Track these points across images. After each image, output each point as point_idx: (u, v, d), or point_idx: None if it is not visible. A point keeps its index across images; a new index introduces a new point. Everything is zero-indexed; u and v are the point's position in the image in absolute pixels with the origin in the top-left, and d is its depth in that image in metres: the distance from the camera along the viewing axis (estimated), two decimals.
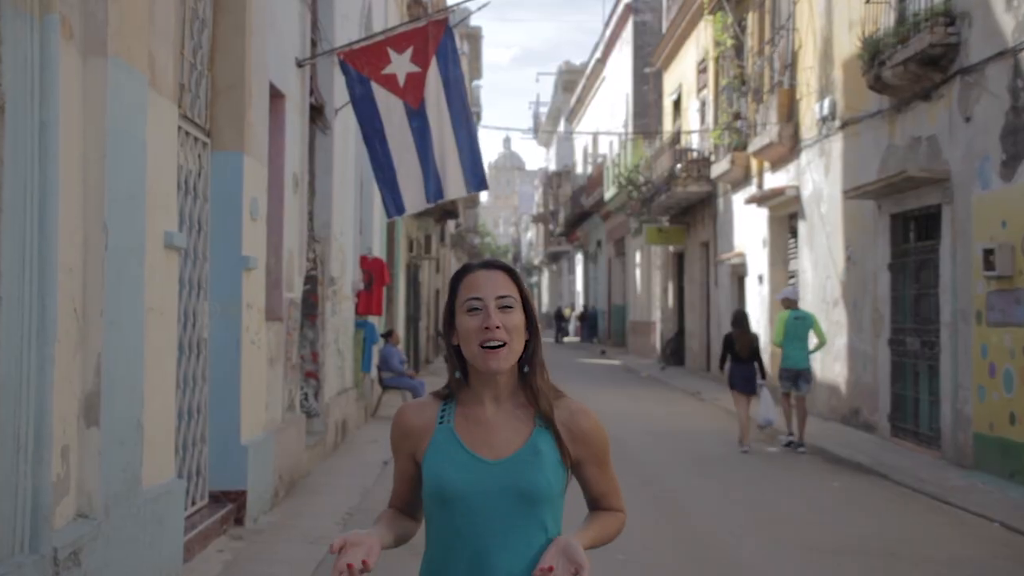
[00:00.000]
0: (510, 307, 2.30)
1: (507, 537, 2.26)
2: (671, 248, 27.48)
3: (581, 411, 2.38)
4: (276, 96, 8.91)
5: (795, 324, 12.64)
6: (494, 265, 2.37)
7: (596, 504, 2.45)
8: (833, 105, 14.93)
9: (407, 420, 2.40)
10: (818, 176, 15.72)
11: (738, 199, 20.49)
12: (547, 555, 2.21)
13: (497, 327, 2.27)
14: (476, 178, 9.76)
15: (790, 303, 12.89)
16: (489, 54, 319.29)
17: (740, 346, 12.72)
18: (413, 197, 9.68)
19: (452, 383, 2.40)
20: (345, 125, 12.21)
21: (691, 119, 25.08)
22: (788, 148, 17.00)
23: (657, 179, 25.63)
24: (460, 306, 2.33)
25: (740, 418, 12.66)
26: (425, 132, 9.42)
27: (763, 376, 12.94)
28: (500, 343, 2.28)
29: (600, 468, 2.41)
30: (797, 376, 12.52)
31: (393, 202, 9.68)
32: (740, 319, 13.02)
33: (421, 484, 2.36)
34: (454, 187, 9.70)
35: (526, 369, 2.36)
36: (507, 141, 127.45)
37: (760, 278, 18.98)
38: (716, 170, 21.42)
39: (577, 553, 2.19)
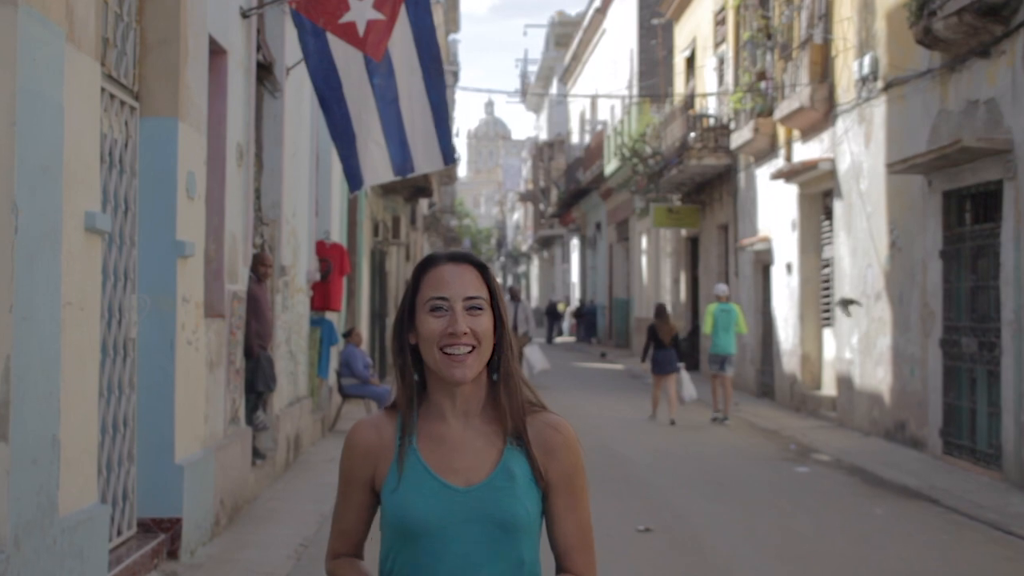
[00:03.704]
0: (479, 309, 2.33)
1: (481, 572, 2.29)
2: (683, 232, 27.55)
3: (554, 424, 2.40)
4: (217, 52, 8.88)
5: (722, 315, 17.17)
6: (463, 259, 2.39)
7: (561, 562, 2.40)
8: (875, 63, 14.98)
9: (363, 440, 2.40)
10: (857, 147, 15.78)
11: (762, 174, 20.56)
12: None
13: (464, 333, 2.30)
14: (446, 148, 9.75)
15: (720, 298, 17.50)
16: (465, 2, 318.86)
17: (663, 334, 17.31)
18: (375, 167, 9.64)
19: (407, 391, 2.39)
20: (299, 87, 12.19)
21: (707, 79, 25.13)
22: (821, 114, 17.05)
23: (667, 150, 25.68)
24: (422, 304, 2.35)
25: (654, 395, 17.58)
26: (390, 92, 9.39)
27: (679, 358, 17.36)
28: (468, 349, 2.31)
29: (571, 501, 2.40)
30: (724, 360, 17.08)
31: (353, 172, 9.67)
32: (661, 312, 17.96)
33: (373, 518, 2.39)
34: (427, 159, 9.68)
35: (495, 377, 2.39)
36: (490, 105, 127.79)
37: (788, 267, 19.05)
38: (736, 140, 21.47)
39: None
